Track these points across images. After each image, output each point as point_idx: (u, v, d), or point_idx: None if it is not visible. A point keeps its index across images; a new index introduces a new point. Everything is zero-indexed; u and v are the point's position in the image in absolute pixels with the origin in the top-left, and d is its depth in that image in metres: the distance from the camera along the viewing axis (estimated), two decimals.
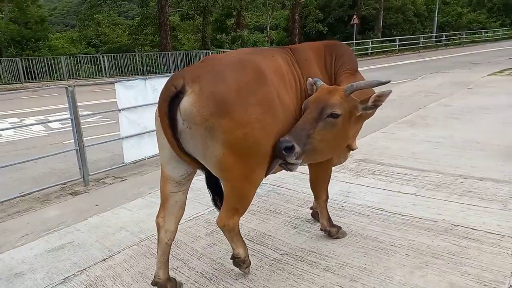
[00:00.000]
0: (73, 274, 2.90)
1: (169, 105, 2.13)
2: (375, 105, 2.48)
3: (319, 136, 2.36)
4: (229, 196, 2.41)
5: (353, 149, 3.09)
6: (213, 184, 2.70)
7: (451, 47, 32.38)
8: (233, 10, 28.66)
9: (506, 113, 7.24)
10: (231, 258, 2.66)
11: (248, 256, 2.67)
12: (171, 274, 2.69)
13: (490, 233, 3.02)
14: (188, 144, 2.21)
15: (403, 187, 4.11)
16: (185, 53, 23.85)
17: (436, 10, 33.02)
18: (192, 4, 26.63)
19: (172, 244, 2.58)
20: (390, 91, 2.45)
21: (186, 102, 2.12)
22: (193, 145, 2.20)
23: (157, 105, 2.23)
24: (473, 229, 3.11)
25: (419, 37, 31.81)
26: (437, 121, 7.08)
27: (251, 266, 2.75)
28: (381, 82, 2.42)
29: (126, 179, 5.20)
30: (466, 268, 2.59)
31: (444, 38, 33.65)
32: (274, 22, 37.33)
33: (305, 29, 32.90)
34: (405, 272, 2.60)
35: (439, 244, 2.91)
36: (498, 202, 3.55)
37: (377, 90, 2.51)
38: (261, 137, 2.25)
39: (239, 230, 2.59)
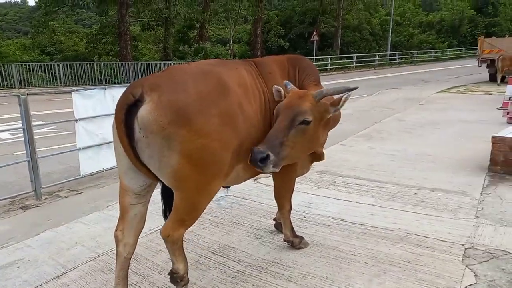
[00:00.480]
0: None
1: (126, 114, 2.08)
2: (343, 104, 2.58)
3: (292, 143, 2.42)
4: (179, 207, 2.32)
5: (321, 159, 3.17)
6: (167, 195, 2.60)
7: (404, 65, 34.26)
8: (195, 22, 28.66)
9: (454, 128, 7.74)
10: (168, 274, 2.50)
11: (187, 274, 2.50)
12: None
13: (442, 240, 3.19)
14: (143, 154, 2.15)
15: (361, 197, 4.25)
16: (146, 63, 23.45)
17: (390, 30, 34.92)
18: (154, 15, 26.36)
19: (131, 259, 2.49)
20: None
21: (143, 111, 2.07)
22: (149, 154, 2.14)
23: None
24: (426, 237, 3.27)
25: (375, 55, 33.42)
26: (391, 135, 7.42)
27: (215, 278, 2.71)
28: (349, 88, 2.51)
29: (82, 192, 4.98)
30: (421, 275, 2.71)
31: (398, 56, 35.59)
32: (237, 35, 37.75)
33: (267, 44, 33.53)
34: (364, 280, 2.68)
35: (395, 252, 3.04)
36: (449, 212, 3.77)
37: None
38: (219, 149, 2.23)
39: (182, 244, 2.46)
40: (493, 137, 4.88)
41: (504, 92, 8.93)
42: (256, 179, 4.88)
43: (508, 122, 7.63)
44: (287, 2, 38.58)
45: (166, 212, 2.66)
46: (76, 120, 5.09)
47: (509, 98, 8.26)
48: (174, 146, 2.10)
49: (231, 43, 30.31)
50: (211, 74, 2.34)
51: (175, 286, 2.50)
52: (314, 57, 28.69)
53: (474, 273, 2.71)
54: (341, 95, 2.55)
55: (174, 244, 2.42)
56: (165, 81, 2.18)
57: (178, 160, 2.13)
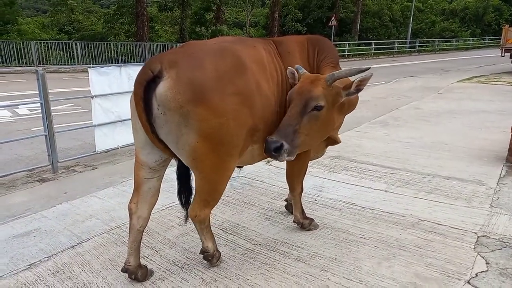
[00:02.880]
0: (39, 261, 2.81)
1: (144, 89, 2.09)
2: (358, 90, 2.52)
3: (305, 130, 2.39)
4: (200, 188, 2.39)
5: (337, 143, 3.14)
6: (183, 176, 2.67)
7: (424, 53, 33.43)
8: (212, 4, 28.37)
9: (472, 118, 7.56)
10: (200, 253, 2.66)
11: (217, 250, 2.66)
12: (142, 262, 2.65)
13: (455, 228, 3.16)
14: (161, 130, 2.17)
15: (374, 183, 4.21)
16: (162, 44, 23.45)
17: (411, 17, 33.99)
18: None
19: (144, 233, 2.55)
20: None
21: (162, 87, 2.08)
22: (167, 131, 2.16)
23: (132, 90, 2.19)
24: (438, 224, 3.23)
25: (394, 42, 32.66)
26: (408, 122, 7.30)
27: (224, 255, 2.75)
28: (361, 69, 2.45)
29: (97, 168, 5.07)
30: (431, 260, 2.69)
31: (418, 44, 34.70)
32: (254, 19, 37.29)
33: (284, 28, 33.06)
34: (373, 263, 2.68)
35: (406, 237, 3.02)
36: (463, 200, 3.71)
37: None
38: (236, 128, 2.24)
39: (209, 224, 2.58)
40: None
41: None
42: (268, 161, 4.89)
43: None
44: None
45: (181, 194, 2.71)
46: (92, 97, 5.15)
47: None
48: (191, 124, 2.11)
49: (248, 26, 30.00)
50: (228, 51, 2.32)
51: (209, 264, 2.66)
52: (332, 43, 28.20)
53: (486, 260, 2.67)
54: (354, 78, 2.50)
55: (202, 224, 2.52)
56: (183, 58, 2.18)
57: (195, 139, 2.15)
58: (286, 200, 3.66)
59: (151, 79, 2.09)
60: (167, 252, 2.90)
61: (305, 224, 3.19)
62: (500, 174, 4.38)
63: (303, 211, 3.22)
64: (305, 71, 2.60)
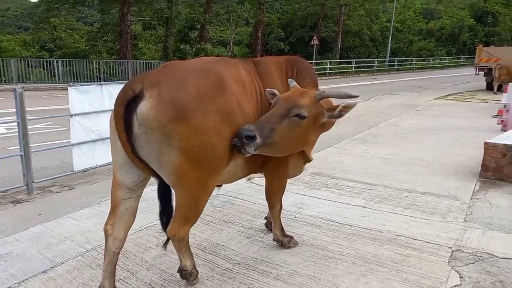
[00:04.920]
0: (9, 287, 2.71)
1: (125, 109, 2.10)
2: (340, 115, 2.58)
3: (281, 133, 2.40)
4: (181, 205, 2.39)
5: (309, 161, 3.18)
6: (164, 196, 2.65)
7: (402, 71, 34.38)
8: (196, 23, 28.69)
9: (448, 134, 7.78)
10: (178, 271, 2.64)
11: (195, 268, 2.65)
12: (118, 285, 2.60)
13: (430, 242, 3.21)
14: (142, 150, 2.18)
15: (353, 199, 4.26)
16: (146, 62, 23.45)
17: (390, 37, 35.04)
18: (155, 14, 26.37)
19: (120, 254, 2.50)
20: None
21: (143, 107, 2.09)
22: (148, 150, 2.17)
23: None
24: (414, 239, 3.28)
25: (374, 60, 33.52)
26: (386, 139, 7.45)
27: (203, 275, 2.73)
28: (351, 95, 2.53)
29: (74, 188, 4.97)
30: (407, 276, 2.73)
31: (397, 63, 35.71)
32: (238, 37, 37.79)
33: (267, 46, 33.58)
34: (351, 280, 2.70)
35: (383, 253, 3.05)
36: (438, 215, 3.79)
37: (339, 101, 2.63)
38: (218, 145, 2.26)
39: (188, 241, 2.58)
40: (485, 143, 4.91)
41: (500, 100, 8.97)
42: (249, 179, 4.90)
43: (502, 130, 7.66)
44: (289, 6, 38.63)
45: (163, 214, 2.68)
46: (71, 115, 5.09)
47: (504, 106, 8.31)
48: (173, 143, 2.12)
49: (231, 44, 30.36)
50: (210, 71, 2.36)
51: (187, 282, 2.63)
52: (314, 61, 28.75)
53: (460, 274, 2.72)
54: (339, 104, 2.57)
55: (181, 242, 2.51)
56: (165, 78, 2.20)
57: (177, 157, 2.16)
58: (266, 218, 3.66)
59: (131, 99, 2.10)
60: (144, 274, 2.84)
61: (285, 242, 3.19)
62: (474, 189, 4.50)
63: (282, 228, 3.22)
64: (296, 84, 2.67)
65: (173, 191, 2.46)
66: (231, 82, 2.41)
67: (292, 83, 2.67)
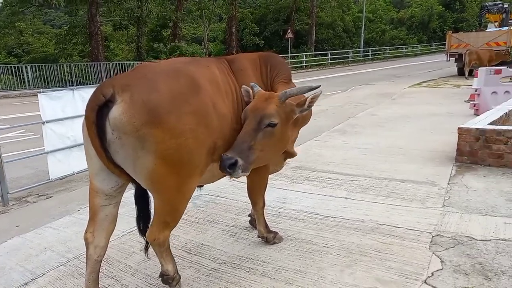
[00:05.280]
0: None
1: (97, 114, 2.05)
2: (309, 106, 2.60)
3: (260, 146, 2.42)
4: (160, 209, 2.35)
5: (293, 156, 3.20)
6: (141, 201, 2.60)
7: (377, 61, 34.93)
8: (168, 21, 28.28)
9: (424, 121, 7.97)
10: (159, 276, 2.59)
11: (177, 273, 2.60)
12: None
13: (411, 229, 3.29)
14: (117, 155, 2.13)
15: (335, 191, 4.32)
16: (119, 63, 22.98)
17: (363, 27, 35.51)
18: (125, 14, 25.82)
19: (103, 261, 2.46)
20: (321, 92, 2.57)
21: (115, 112, 2.05)
22: (123, 155, 2.12)
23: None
24: (396, 227, 3.36)
25: (348, 51, 33.91)
26: (365, 129, 7.57)
27: (189, 277, 2.71)
28: (311, 87, 2.54)
29: (51, 197, 4.84)
30: (390, 263, 2.78)
31: (371, 53, 36.24)
32: (212, 34, 37.50)
33: (242, 42, 33.47)
34: (336, 271, 2.73)
35: (366, 243, 3.11)
36: (417, 202, 3.88)
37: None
38: (194, 148, 2.23)
39: (169, 246, 2.54)
40: (459, 128, 5.05)
41: (471, 85, 9.25)
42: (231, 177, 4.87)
43: (475, 114, 7.91)
44: (261, 0, 38.61)
45: (140, 219, 2.63)
46: (43, 123, 4.94)
47: (475, 91, 8.58)
48: (148, 147, 2.09)
49: (206, 41, 30.09)
50: (182, 72, 2.33)
51: (169, 287, 2.58)
52: (289, 55, 28.87)
53: (441, 259, 2.80)
54: (307, 94, 2.58)
55: (161, 247, 2.47)
56: (136, 81, 2.16)
57: (153, 161, 2.12)
58: (249, 215, 3.67)
59: (103, 104, 2.06)
60: (129, 280, 2.80)
61: (269, 238, 3.20)
62: (451, 174, 4.63)
63: (266, 225, 3.23)
64: (259, 89, 2.65)
65: (151, 195, 2.43)
66: (204, 83, 2.38)
67: (256, 87, 2.64)
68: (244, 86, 2.62)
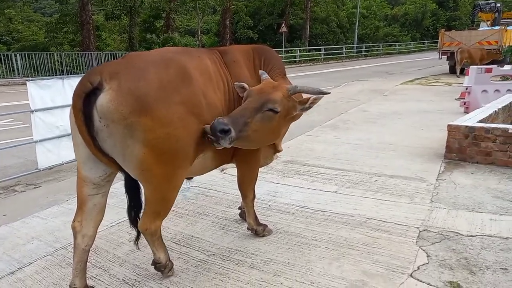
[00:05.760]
0: None
1: (84, 102, 2.03)
2: (310, 107, 2.62)
3: (255, 126, 2.38)
4: (150, 199, 2.35)
5: (279, 151, 3.21)
6: (132, 190, 2.60)
7: (370, 57, 35.07)
8: (162, 12, 27.96)
9: (415, 118, 8.03)
10: (152, 264, 2.62)
11: (169, 260, 2.64)
12: (90, 283, 2.54)
13: (399, 224, 3.33)
14: (106, 143, 2.11)
15: (325, 185, 4.34)
16: (111, 53, 22.69)
17: (357, 23, 35.55)
18: (118, 4, 25.44)
19: (91, 252, 2.45)
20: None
21: (103, 99, 2.02)
22: (111, 144, 2.11)
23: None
24: (384, 221, 3.39)
25: (342, 47, 33.98)
26: (356, 125, 7.60)
27: (177, 268, 2.71)
28: (322, 91, 2.57)
29: (40, 186, 4.79)
30: (377, 257, 2.81)
31: (364, 49, 36.35)
32: (206, 26, 37.22)
33: (236, 35, 33.29)
34: (324, 264, 2.76)
35: (355, 236, 3.14)
36: (406, 197, 3.92)
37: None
38: (184, 137, 2.22)
39: (160, 234, 2.56)
40: (448, 126, 5.10)
41: (462, 83, 9.33)
42: (222, 170, 4.88)
43: (465, 112, 7.99)
44: None
45: (131, 209, 2.63)
46: (32, 111, 4.87)
47: (466, 89, 8.66)
48: (137, 135, 2.07)
49: (199, 33, 29.85)
50: (173, 61, 2.31)
51: (161, 274, 2.63)
52: (283, 49, 28.81)
53: (427, 253, 2.84)
54: (311, 95, 2.59)
55: (153, 236, 2.49)
56: (125, 69, 2.13)
57: (142, 150, 2.11)
58: (239, 208, 3.67)
59: (90, 91, 2.03)
60: (117, 271, 2.79)
61: (259, 230, 3.21)
62: (439, 170, 4.69)
63: (256, 217, 3.24)
64: (268, 76, 2.66)
65: (141, 185, 2.42)
66: (195, 73, 2.37)
67: (264, 75, 2.66)
68: (237, 83, 2.59)
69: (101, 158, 2.17)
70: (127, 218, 2.69)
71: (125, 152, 2.12)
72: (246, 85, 2.57)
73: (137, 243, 2.70)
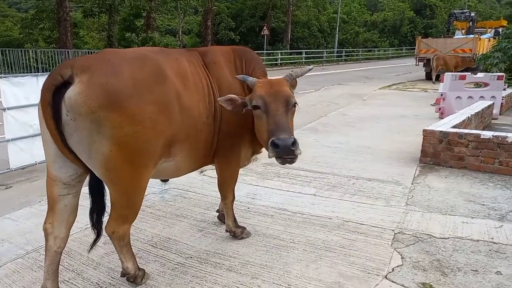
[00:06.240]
0: None
1: (53, 95, 1.98)
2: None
3: (291, 126, 2.53)
4: (116, 201, 2.28)
5: (259, 152, 3.22)
6: (96, 191, 2.46)
7: (350, 62, 35.61)
8: (142, 11, 27.58)
9: (392, 122, 8.21)
10: (121, 276, 2.53)
11: (138, 269, 2.55)
12: (62, 286, 2.48)
13: (375, 226, 3.38)
14: (71, 138, 2.05)
15: (304, 188, 4.37)
16: (89, 51, 22.18)
17: (337, 28, 36.08)
18: (97, 1, 24.94)
19: (64, 254, 2.38)
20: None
21: (71, 92, 1.98)
22: (77, 139, 2.04)
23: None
24: (361, 224, 3.44)
25: (323, 51, 34.40)
26: (336, 128, 7.70)
27: (154, 271, 2.67)
28: (310, 68, 2.90)
29: (11, 187, 4.63)
30: (354, 259, 2.86)
31: (344, 53, 36.92)
32: (187, 27, 36.96)
33: (217, 36, 33.22)
34: (301, 266, 2.77)
35: (332, 239, 3.17)
36: (382, 200, 4.00)
37: None
38: (152, 137, 2.18)
39: (129, 241, 2.47)
40: (424, 130, 5.23)
41: (438, 89, 9.60)
42: (201, 171, 4.84)
43: (440, 117, 8.22)
44: None
45: (93, 213, 2.49)
46: (4, 109, 4.71)
47: (441, 95, 8.91)
48: (104, 131, 2.02)
49: (180, 34, 29.61)
50: (148, 60, 2.28)
51: (135, 284, 2.53)
52: (265, 51, 28.91)
53: (401, 255, 2.90)
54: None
55: (121, 241, 2.40)
56: (97, 63, 2.09)
57: (109, 147, 2.05)
58: (217, 211, 3.65)
59: (60, 84, 1.99)
60: (91, 274, 2.73)
61: (237, 232, 3.21)
62: (415, 174, 4.80)
63: (235, 219, 3.23)
64: (255, 78, 2.68)
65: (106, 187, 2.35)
66: (170, 73, 2.34)
67: (249, 78, 2.66)
68: (221, 98, 2.54)
69: (68, 155, 2.11)
70: (104, 220, 2.61)
71: (91, 149, 2.06)
72: (234, 96, 2.55)
73: (92, 248, 2.55)
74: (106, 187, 2.38)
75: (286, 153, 2.32)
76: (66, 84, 1.99)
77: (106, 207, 2.42)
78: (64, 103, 1.99)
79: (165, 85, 2.26)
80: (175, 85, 2.34)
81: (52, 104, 1.98)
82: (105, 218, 2.46)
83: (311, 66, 2.80)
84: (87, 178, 2.38)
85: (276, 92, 2.53)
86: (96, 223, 2.50)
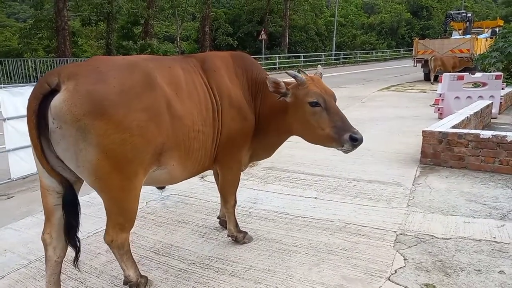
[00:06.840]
0: None
1: (40, 104, 1.97)
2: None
3: None
4: (109, 211, 2.26)
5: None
6: (69, 204, 2.24)
7: (348, 64, 35.70)
8: (140, 18, 27.71)
9: (391, 124, 8.22)
10: (124, 284, 2.52)
11: (141, 277, 2.51)
12: None
13: (377, 228, 3.39)
14: (58, 146, 2.04)
15: (305, 191, 4.37)
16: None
17: (335, 31, 36.22)
18: (95, 9, 25.08)
19: (67, 263, 2.38)
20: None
21: (57, 100, 1.98)
22: (64, 147, 2.03)
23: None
24: (363, 226, 3.44)
25: (321, 54, 34.54)
26: None
27: (156, 278, 2.66)
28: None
29: (13, 196, 4.64)
30: (356, 261, 2.85)
31: (342, 56, 37.03)
32: (185, 33, 37.13)
33: (215, 42, 33.35)
34: (304, 270, 2.77)
35: (334, 242, 3.17)
36: (384, 201, 4.00)
37: None
38: (140, 145, 2.16)
39: (129, 249, 2.44)
40: (423, 131, 5.25)
41: (436, 90, 9.62)
42: (202, 177, 4.85)
43: (439, 118, 8.24)
44: (235, 0, 38.61)
45: (68, 228, 2.26)
46: (4, 120, 4.72)
47: (440, 96, 8.93)
48: (90, 139, 2.01)
49: (179, 40, 29.73)
50: (137, 67, 2.27)
51: None
52: (263, 56, 29.01)
53: (404, 257, 2.90)
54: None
55: (120, 249, 2.37)
56: (84, 70, 2.08)
57: (96, 155, 2.04)
58: (218, 217, 3.63)
59: (48, 93, 1.99)
60: (94, 282, 2.73)
61: (239, 237, 3.20)
62: (415, 175, 4.80)
63: (237, 224, 3.23)
64: (304, 76, 2.74)
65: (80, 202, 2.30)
66: (161, 81, 2.32)
67: (299, 75, 2.73)
68: (269, 78, 2.72)
69: (45, 165, 2.09)
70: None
71: (78, 157, 2.05)
72: (281, 82, 2.73)
73: (76, 264, 2.32)
74: (80, 205, 2.29)
75: (360, 144, 2.52)
76: (53, 92, 1.99)
77: (79, 224, 2.29)
78: (50, 111, 1.98)
79: (155, 92, 2.25)
80: (166, 93, 2.32)
81: (37, 113, 1.97)
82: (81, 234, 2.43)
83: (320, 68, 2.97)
84: (82, 185, 2.37)
85: (327, 89, 2.69)
86: (71, 239, 2.29)
